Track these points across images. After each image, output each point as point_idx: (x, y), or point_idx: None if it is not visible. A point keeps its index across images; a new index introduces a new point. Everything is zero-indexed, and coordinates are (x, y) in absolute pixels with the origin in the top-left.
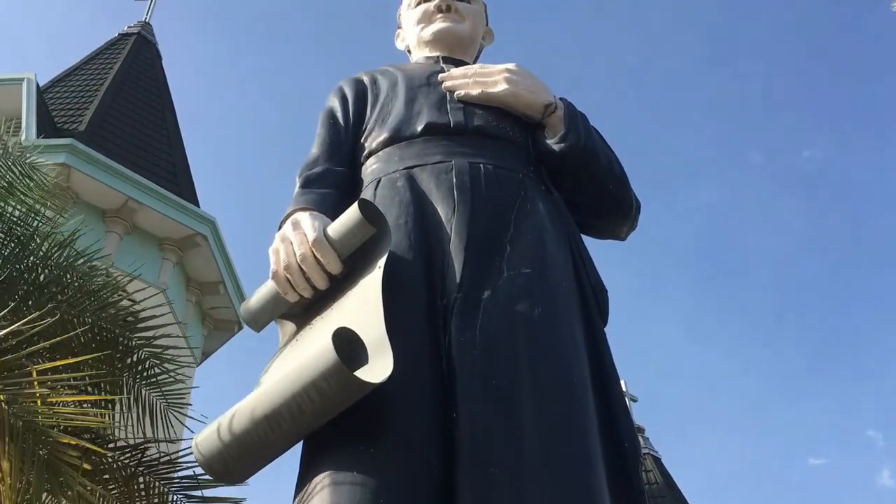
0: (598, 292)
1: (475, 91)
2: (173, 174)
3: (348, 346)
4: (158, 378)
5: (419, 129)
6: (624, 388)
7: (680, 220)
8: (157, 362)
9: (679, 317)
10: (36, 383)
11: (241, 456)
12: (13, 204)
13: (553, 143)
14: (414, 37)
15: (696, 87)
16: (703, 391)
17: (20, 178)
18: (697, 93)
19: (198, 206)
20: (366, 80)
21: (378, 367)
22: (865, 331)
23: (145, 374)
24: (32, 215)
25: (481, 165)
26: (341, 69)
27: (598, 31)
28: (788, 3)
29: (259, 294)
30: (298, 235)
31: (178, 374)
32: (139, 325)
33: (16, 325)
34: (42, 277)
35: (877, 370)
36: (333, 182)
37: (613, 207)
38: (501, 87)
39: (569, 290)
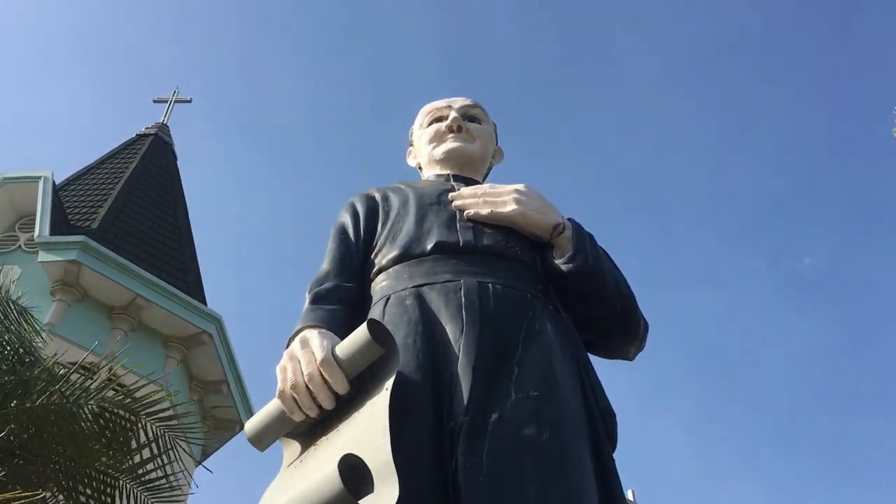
0: (607, 417)
1: (485, 210)
2: (182, 272)
3: (354, 472)
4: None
5: (429, 247)
6: (631, 498)
7: (682, 324)
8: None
9: (684, 423)
10: None
11: None
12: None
13: (561, 263)
14: (426, 155)
15: (697, 193)
16: (710, 500)
17: (16, 321)
18: (698, 198)
19: (205, 303)
20: (377, 196)
21: (383, 496)
22: (874, 440)
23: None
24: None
25: (490, 285)
26: (351, 177)
27: (599, 139)
28: (789, 112)
29: (264, 412)
30: (306, 354)
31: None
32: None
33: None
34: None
35: (885, 479)
36: (343, 298)
37: (621, 328)
38: (510, 207)
39: (577, 414)
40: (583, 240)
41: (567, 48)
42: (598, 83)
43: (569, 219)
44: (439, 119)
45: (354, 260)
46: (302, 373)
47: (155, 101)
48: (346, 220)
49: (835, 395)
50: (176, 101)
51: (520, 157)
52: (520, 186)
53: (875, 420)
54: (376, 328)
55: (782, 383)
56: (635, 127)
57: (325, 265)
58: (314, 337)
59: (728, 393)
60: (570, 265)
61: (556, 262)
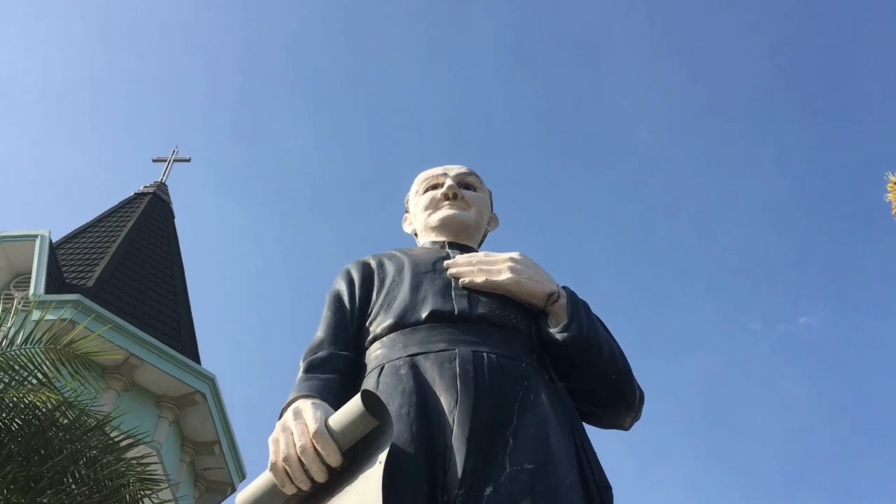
0: (603, 489)
1: (480, 279)
2: (177, 331)
3: None
4: None
5: (423, 315)
6: None
7: (680, 385)
8: None
9: (681, 490)
10: None
11: None
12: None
13: (556, 332)
14: (421, 222)
15: (690, 255)
16: None
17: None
18: (691, 260)
19: (199, 363)
20: (373, 263)
21: None
22: (876, 501)
23: None
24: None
25: (485, 354)
26: (350, 239)
27: (595, 200)
28: (782, 175)
29: (255, 485)
30: (299, 426)
31: None
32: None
33: None
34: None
35: None
36: (337, 367)
37: (616, 397)
38: (505, 275)
39: (572, 487)
40: (577, 308)
41: (557, 110)
42: (590, 149)
43: (563, 287)
44: (435, 186)
45: (349, 328)
46: (294, 445)
47: (154, 161)
48: (342, 287)
49: (834, 457)
50: (175, 161)
51: (510, 219)
52: (514, 255)
53: (875, 483)
54: (370, 399)
55: (781, 446)
56: (627, 191)
57: (319, 333)
58: (307, 408)
59: (725, 458)
60: (565, 334)
61: (551, 330)
